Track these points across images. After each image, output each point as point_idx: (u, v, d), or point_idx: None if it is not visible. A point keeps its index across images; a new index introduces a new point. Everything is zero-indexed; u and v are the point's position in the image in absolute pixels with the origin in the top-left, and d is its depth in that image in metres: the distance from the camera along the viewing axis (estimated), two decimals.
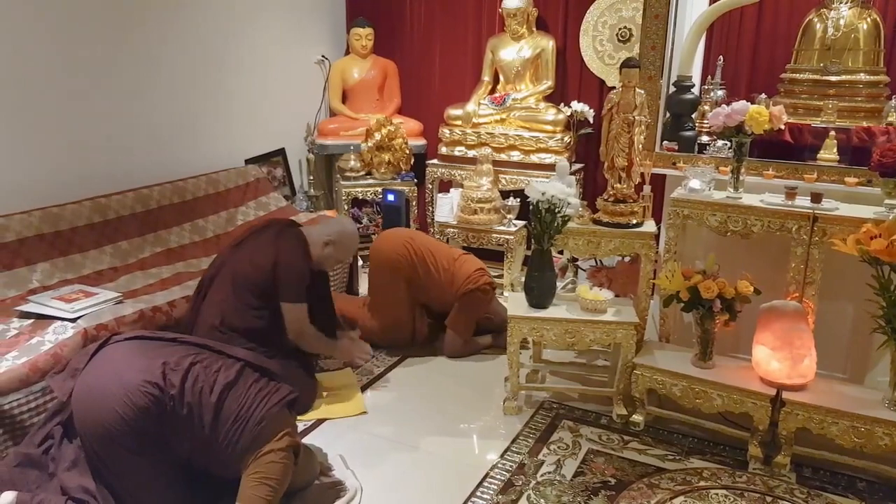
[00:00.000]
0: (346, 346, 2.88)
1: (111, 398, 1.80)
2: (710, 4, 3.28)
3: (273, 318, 2.60)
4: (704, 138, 3.05)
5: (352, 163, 4.40)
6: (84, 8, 3.12)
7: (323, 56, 4.68)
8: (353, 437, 2.58)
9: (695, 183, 2.68)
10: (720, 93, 3.26)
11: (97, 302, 2.54)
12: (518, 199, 3.90)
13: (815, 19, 3.07)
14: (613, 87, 3.78)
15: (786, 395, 2.37)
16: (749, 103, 2.56)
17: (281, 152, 4.44)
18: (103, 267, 2.94)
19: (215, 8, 3.84)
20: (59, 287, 2.67)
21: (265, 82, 4.25)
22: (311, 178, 4.54)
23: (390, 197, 4.12)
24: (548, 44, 4.15)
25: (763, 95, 3.02)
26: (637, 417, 2.63)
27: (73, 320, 2.41)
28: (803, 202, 2.50)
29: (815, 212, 2.44)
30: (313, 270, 2.71)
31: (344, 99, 4.67)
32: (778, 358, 2.39)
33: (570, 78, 4.25)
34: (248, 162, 4.13)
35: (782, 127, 2.63)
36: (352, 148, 4.42)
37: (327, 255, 2.75)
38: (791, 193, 2.53)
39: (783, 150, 2.87)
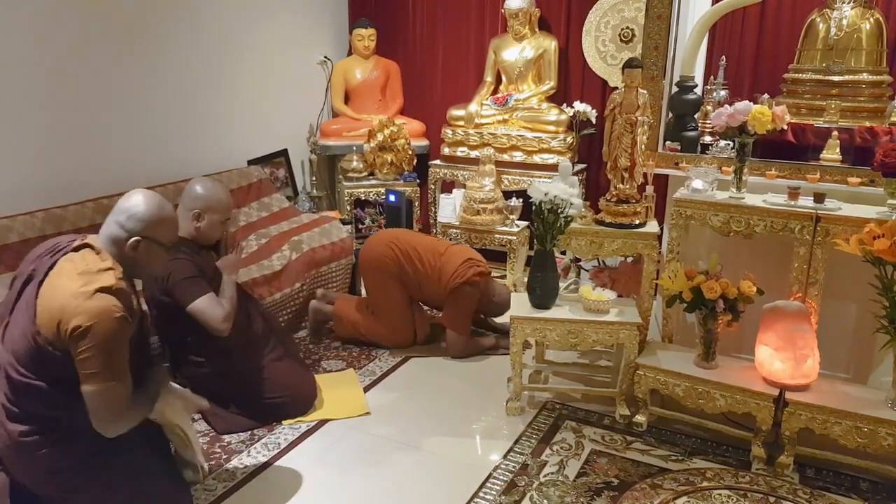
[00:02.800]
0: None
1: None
2: (712, 4, 3.29)
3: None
4: (707, 138, 3.05)
5: (354, 163, 4.40)
6: (87, 11, 3.13)
7: (325, 57, 4.69)
8: (355, 438, 2.58)
9: (697, 183, 2.68)
10: (723, 93, 3.25)
11: None
12: (521, 200, 3.90)
13: (818, 19, 3.06)
14: (616, 88, 3.78)
15: (789, 395, 2.36)
16: (752, 103, 2.56)
17: (283, 153, 4.44)
18: None
19: (218, 9, 3.85)
20: None
21: (268, 83, 4.26)
22: (314, 178, 4.54)
23: (392, 198, 4.12)
24: (550, 44, 4.15)
25: (766, 95, 3.01)
26: (640, 418, 2.63)
27: None
28: (806, 202, 2.50)
29: (818, 212, 2.43)
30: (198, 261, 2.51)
31: (346, 100, 4.68)
32: (781, 358, 2.39)
33: (573, 78, 4.25)
34: (250, 163, 4.13)
35: (785, 127, 2.63)
36: (354, 149, 4.43)
37: (207, 225, 2.52)
38: (794, 193, 2.53)
39: (786, 150, 2.87)
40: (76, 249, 1.82)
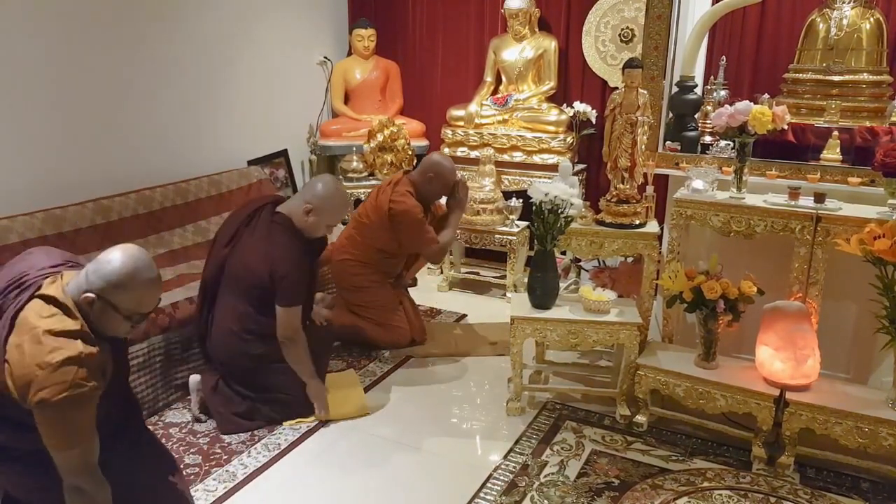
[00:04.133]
0: (318, 389, 2.69)
1: None
2: (712, 4, 3.29)
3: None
4: (707, 138, 3.04)
5: (354, 164, 4.40)
6: (86, 14, 3.12)
7: (325, 57, 4.68)
8: (356, 438, 2.58)
9: (698, 183, 2.68)
10: (723, 93, 3.25)
11: None
12: (520, 200, 3.90)
13: (818, 19, 3.06)
14: (616, 88, 3.78)
15: (789, 395, 2.36)
16: (752, 103, 2.56)
17: (283, 153, 4.44)
18: None
19: (217, 10, 3.84)
20: None
21: (268, 83, 4.26)
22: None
23: None
24: (550, 44, 4.15)
25: (766, 95, 3.01)
26: (640, 418, 2.63)
27: None
28: (807, 202, 2.50)
29: (819, 212, 2.43)
30: (307, 249, 2.66)
31: (346, 100, 4.68)
32: (781, 358, 2.38)
33: (573, 78, 4.25)
34: (250, 163, 4.13)
35: (785, 127, 2.63)
36: (354, 149, 4.42)
37: (312, 223, 2.63)
38: (794, 193, 2.52)
39: (786, 150, 2.86)
40: (42, 297, 1.65)
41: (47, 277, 1.72)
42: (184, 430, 2.59)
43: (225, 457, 2.44)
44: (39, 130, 2.99)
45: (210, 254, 2.74)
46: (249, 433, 2.58)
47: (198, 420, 2.64)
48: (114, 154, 3.32)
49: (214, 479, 2.31)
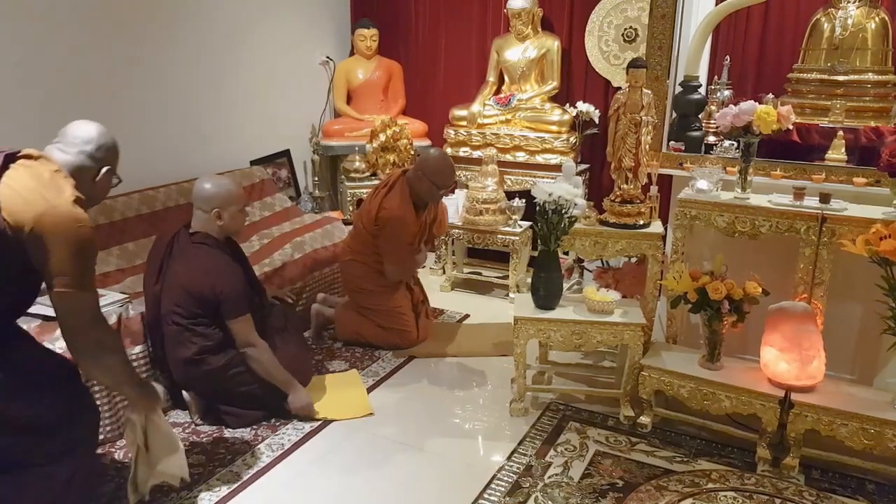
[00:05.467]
0: (300, 397, 2.67)
1: None
2: (716, 4, 3.28)
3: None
4: (711, 138, 3.04)
5: (357, 164, 4.40)
6: (87, 13, 3.12)
7: (327, 57, 4.68)
8: (359, 439, 2.57)
9: (702, 183, 2.67)
10: (727, 93, 3.24)
11: (104, 304, 2.54)
12: (523, 200, 3.89)
13: (823, 19, 3.05)
14: (619, 88, 3.79)
15: (794, 396, 2.35)
16: (757, 103, 2.55)
17: (286, 153, 4.44)
18: (110, 269, 2.95)
19: (219, 10, 3.84)
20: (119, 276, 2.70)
21: (270, 83, 4.25)
22: (316, 179, 4.53)
23: None
24: (553, 44, 4.14)
25: (770, 95, 2.99)
26: (644, 419, 2.62)
27: None
28: (812, 202, 2.49)
29: (824, 212, 2.42)
30: (233, 253, 2.64)
31: (349, 100, 4.67)
32: (786, 359, 2.37)
33: (576, 78, 4.24)
34: (253, 163, 4.13)
35: (790, 127, 2.62)
36: (356, 149, 4.42)
37: (228, 223, 2.57)
38: (799, 194, 2.52)
39: (791, 150, 2.86)
40: (29, 157, 1.74)
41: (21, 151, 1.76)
42: (187, 431, 2.59)
43: (229, 457, 2.43)
44: (39, 132, 2.97)
45: (145, 296, 2.63)
46: (252, 433, 2.57)
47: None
48: (135, 154, 3.29)
49: (218, 480, 2.30)
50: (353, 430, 2.63)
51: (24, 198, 1.66)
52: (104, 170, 1.87)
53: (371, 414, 2.73)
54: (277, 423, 2.64)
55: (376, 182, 4.32)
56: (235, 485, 2.28)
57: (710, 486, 2.30)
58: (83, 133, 1.86)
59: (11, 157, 1.72)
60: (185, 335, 2.49)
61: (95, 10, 3.16)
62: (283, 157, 4.42)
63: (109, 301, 2.57)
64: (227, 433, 2.58)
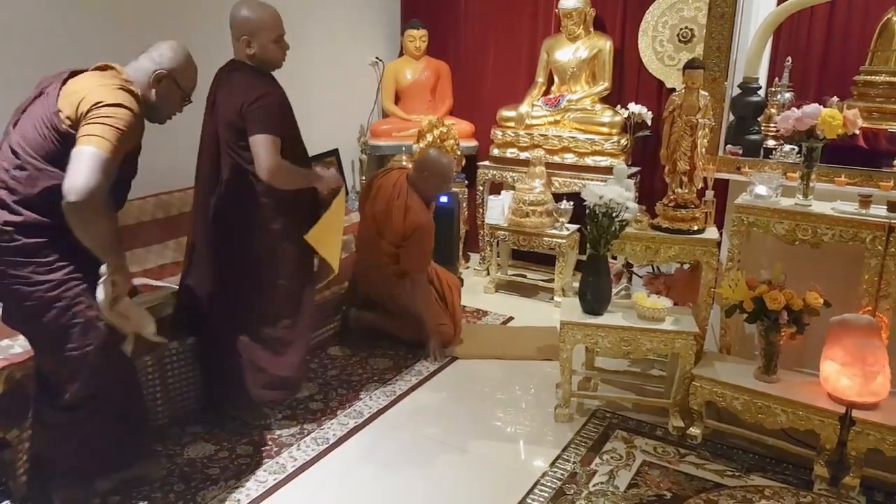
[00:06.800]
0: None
1: None
2: (778, 4, 3.17)
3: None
4: (771, 142, 2.93)
5: (403, 164, 4.40)
6: (132, 9, 3.14)
7: (377, 58, 4.71)
8: (402, 437, 2.58)
9: (761, 189, 2.58)
10: (788, 95, 3.13)
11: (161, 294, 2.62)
12: (571, 203, 3.84)
13: (894, 18, 2.91)
14: (673, 89, 3.70)
15: (856, 413, 2.25)
16: (821, 106, 2.45)
17: (334, 153, 4.48)
18: (166, 261, 3.03)
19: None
20: None
21: (320, 84, 4.29)
22: (364, 178, 4.56)
23: (444, 198, 4.09)
24: (605, 44, 4.08)
25: (835, 98, 2.87)
26: (695, 430, 2.55)
27: None
28: (879, 211, 2.38)
29: (892, 222, 2.31)
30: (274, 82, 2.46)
31: (397, 100, 4.69)
32: (848, 374, 2.27)
33: (628, 79, 4.16)
34: None
35: (856, 132, 2.51)
36: (403, 149, 4.43)
37: (259, 53, 2.38)
38: (865, 202, 2.41)
39: (857, 156, 2.73)
40: (99, 68, 1.94)
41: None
42: (235, 421, 2.63)
43: (275, 449, 2.47)
44: None
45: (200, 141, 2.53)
46: (298, 427, 2.60)
47: None
48: (163, 155, 3.28)
49: (265, 471, 2.34)
50: (396, 428, 2.63)
51: (75, 90, 1.83)
52: (161, 74, 1.97)
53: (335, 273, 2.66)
54: (323, 418, 2.67)
55: None
56: (282, 476, 2.31)
57: (764, 502, 2.22)
58: (157, 44, 2.02)
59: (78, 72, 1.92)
60: (239, 171, 2.41)
61: (140, 6, 3.18)
62: (331, 157, 4.46)
63: (166, 292, 2.64)
64: (275, 425, 2.61)
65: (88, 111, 1.77)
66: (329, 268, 2.65)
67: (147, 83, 1.97)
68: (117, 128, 1.76)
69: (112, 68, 1.96)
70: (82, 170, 1.71)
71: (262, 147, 2.28)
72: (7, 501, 2.12)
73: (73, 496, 2.11)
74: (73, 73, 1.92)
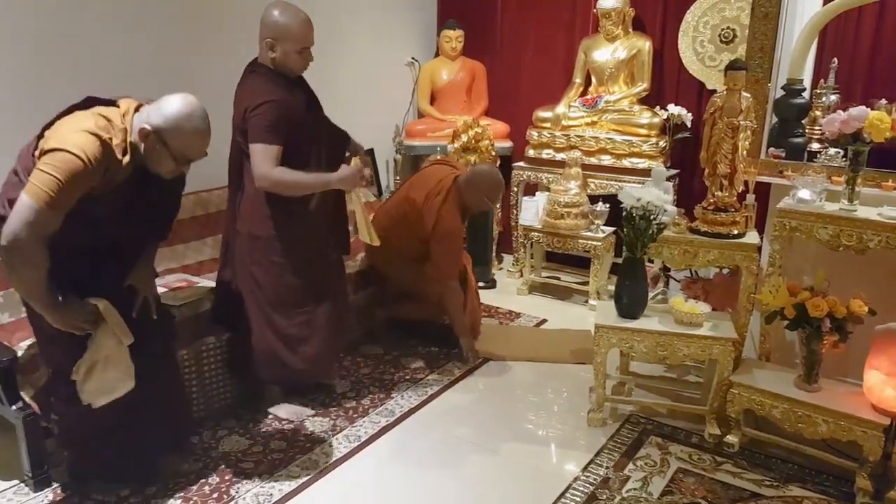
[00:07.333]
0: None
1: None
2: (824, 4, 3.09)
3: None
4: (815, 145, 2.86)
5: (449, 159, 4.41)
6: (171, 9, 3.18)
7: (413, 58, 4.73)
8: (433, 437, 2.58)
9: (804, 193, 2.52)
10: (833, 97, 3.04)
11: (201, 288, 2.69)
12: (607, 205, 3.80)
13: None
14: (714, 91, 3.63)
15: None
16: (868, 109, 2.38)
17: (370, 152, 4.50)
18: (204, 258, 3.09)
19: (309, 9, 3.93)
20: (164, 275, 2.82)
21: (356, 84, 4.33)
22: (398, 178, 4.59)
23: None
24: (644, 45, 4.02)
25: (883, 101, 2.79)
26: (731, 438, 2.50)
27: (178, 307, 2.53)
28: None
29: None
30: (290, 86, 2.43)
31: (432, 100, 4.71)
32: (894, 385, 2.20)
33: (667, 80, 4.10)
34: None
35: None
36: (438, 149, 4.43)
37: (281, 56, 2.37)
38: None
39: None
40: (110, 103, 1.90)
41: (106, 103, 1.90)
42: (269, 416, 2.67)
43: (308, 445, 2.50)
44: None
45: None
46: (331, 423, 2.63)
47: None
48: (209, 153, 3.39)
49: (297, 466, 2.37)
50: (427, 428, 2.64)
51: (53, 129, 1.81)
52: (146, 130, 1.83)
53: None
54: (355, 416, 2.69)
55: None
56: (314, 472, 2.34)
57: None
58: (169, 96, 1.88)
59: (92, 102, 1.88)
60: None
61: (177, 7, 3.21)
62: (366, 156, 4.49)
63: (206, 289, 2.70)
64: (308, 422, 2.65)
65: (41, 155, 1.75)
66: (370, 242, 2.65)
67: (138, 134, 1.86)
68: (56, 177, 1.71)
69: (112, 104, 1.89)
70: (13, 219, 1.72)
71: (256, 156, 2.31)
72: (48, 489, 2.20)
73: (108, 487, 2.18)
74: (72, 109, 1.88)
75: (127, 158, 1.85)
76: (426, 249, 3.10)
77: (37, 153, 1.79)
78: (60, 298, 1.88)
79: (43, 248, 1.76)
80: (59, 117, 1.86)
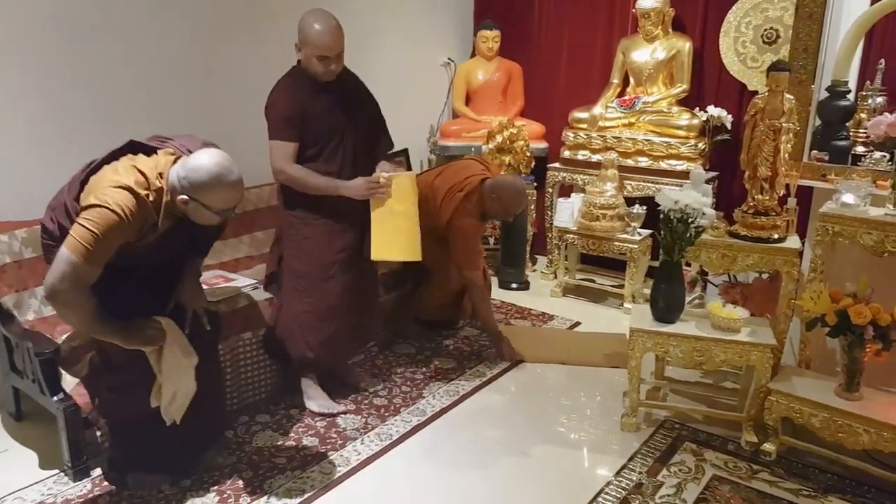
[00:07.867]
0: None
1: None
2: (871, 4, 3.00)
3: None
4: (860, 149, 2.78)
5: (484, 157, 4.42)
6: (207, 12, 3.23)
7: (449, 59, 4.74)
8: (464, 438, 2.59)
9: (848, 197, 2.45)
10: (880, 100, 2.95)
11: (237, 287, 2.74)
12: (644, 207, 3.75)
13: None
14: (756, 92, 3.56)
15: None
16: None
17: (404, 152, 4.54)
18: (240, 255, 3.16)
19: (345, 13, 3.98)
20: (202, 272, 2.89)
21: (392, 84, 4.36)
22: None
23: None
24: (684, 45, 3.97)
25: None
26: (769, 446, 2.45)
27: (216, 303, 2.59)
28: None
29: None
30: (313, 88, 2.49)
31: (467, 101, 4.71)
32: None
33: (707, 81, 4.03)
34: None
35: None
36: (473, 150, 4.44)
37: (305, 59, 2.45)
38: None
39: None
40: (151, 151, 2.00)
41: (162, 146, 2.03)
42: (302, 412, 2.71)
43: (340, 442, 2.53)
44: (158, 127, 2.94)
45: None
46: (363, 421, 2.66)
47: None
48: (250, 151, 3.40)
49: (329, 463, 2.40)
50: (458, 429, 2.65)
51: (90, 184, 1.91)
52: (180, 198, 1.90)
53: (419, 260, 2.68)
54: (386, 414, 2.72)
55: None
56: (345, 469, 2.37)
57: None
58: (193, 157, 1.93)
59: (134, 147, 1.99)
60: None
61: (216, 9, 3.27)
62: (401, 156, 4.52)
63: (241, 285, 2.75)
64: (340, 419, 2.68)
65: (82, 210, 1.85)
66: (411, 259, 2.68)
67: (179, 203, 1.92)
68: (94, 232, 1.81)
69: (153, 151, 1.99)
70: (53, 271, 1.83)
71: (271, 152, 2.48)
72: (87, 479, 2.27)
73: (146, 479, 2.24)
74: (115, 154, 1.97)
75: (161, 216, 1.94)
76: (444, 235, 3.15)
77: (79, 205, 1.89)
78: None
79: (83, 293, 1.85)
80: (102, 163, 1.95)
